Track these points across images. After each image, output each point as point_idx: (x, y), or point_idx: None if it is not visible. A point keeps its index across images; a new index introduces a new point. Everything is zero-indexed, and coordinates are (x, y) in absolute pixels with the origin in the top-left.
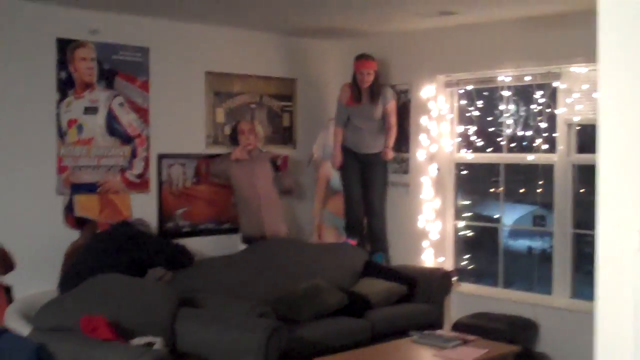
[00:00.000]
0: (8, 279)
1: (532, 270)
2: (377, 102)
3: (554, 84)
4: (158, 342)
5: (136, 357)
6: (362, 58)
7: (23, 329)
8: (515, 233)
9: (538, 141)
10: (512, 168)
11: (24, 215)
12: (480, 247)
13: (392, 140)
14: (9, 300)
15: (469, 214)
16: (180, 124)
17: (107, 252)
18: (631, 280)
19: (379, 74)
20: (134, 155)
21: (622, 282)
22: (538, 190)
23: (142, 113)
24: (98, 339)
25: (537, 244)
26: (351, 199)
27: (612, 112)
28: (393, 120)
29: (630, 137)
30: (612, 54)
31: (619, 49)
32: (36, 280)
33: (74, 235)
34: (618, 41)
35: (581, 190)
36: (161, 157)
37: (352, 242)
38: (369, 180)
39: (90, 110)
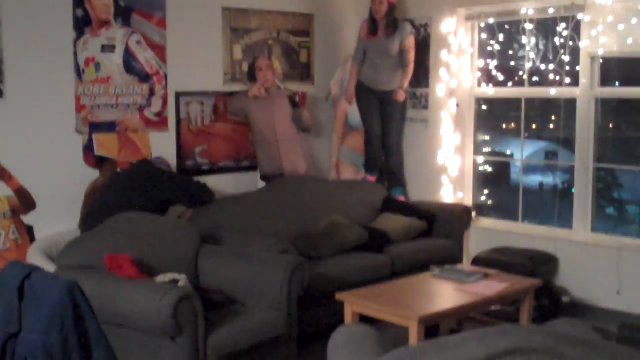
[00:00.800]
0: (29, 218)
1: (551, 206)
2: (394, 36)
3: (578, 16)
4: (182, 279)
5: (163, 293)
6: None
7: (46, 267)
8: (532, 168)
9: (560, 75)
10: (531, 104)
11: (43, 155)
12: (500, 183)
13: (406, 80)
14: (31, 239)
15: (488, 150)
16: (197, 61)
17: (127, 191)
18: None
19: (394, 5)
20: (151, 93)
21: None
22: (551, 126)
23: (159, 50)
24: (123, 276)
25: (553, 179)
26: (371, 135)
27: None
28: (410, 57)
29: None
30: None
31: None
32: (57, 220)
33: (93, 174)
34: None
35: (605, 125)
36: (179, 95)
37: (371, 178)
38: (386, 117)
39: (107, 48)
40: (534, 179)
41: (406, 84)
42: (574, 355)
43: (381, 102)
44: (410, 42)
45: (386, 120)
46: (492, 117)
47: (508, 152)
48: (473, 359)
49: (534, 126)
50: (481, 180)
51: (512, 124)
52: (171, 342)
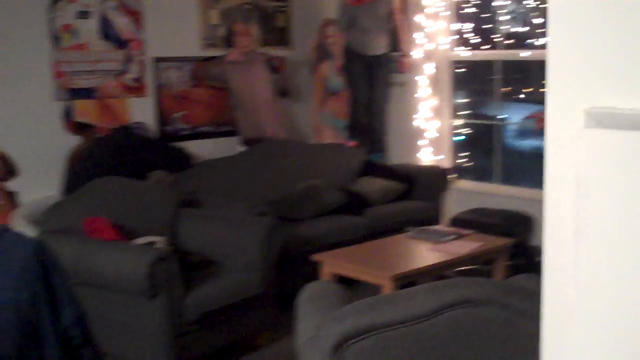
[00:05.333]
0: (12, 184)
1: (531, 169)
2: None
3: None
4: (160, 241)
5: (139, 254)
6: None
7: (29, 232)
8: (517, 132)
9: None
10: (511, 67)
11: (23, 123)
12: (478, 146)
13: (405, 45)
14: (14, 205)
15: (467, 112)
16: (174, 26)
17: (108, 156)
18: (574, 160)
19: None
20: (129, 59)
21: (565, 162)
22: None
23: (136, 16)
24: (101, 239)
25: (535, 142)
26: (358, 100)
27: None
28: (400, 19)
29: (580, 16)
30: None
31: None
32: (40, 186)
33: (74, 140)
34: None
35: None
36: (157, 60)
37: (353, 143)
38: (374, 81)
39: (83, 14)
40: (516, 142)
41: (406, 49)
42: (519, 306)
43: (369, 67)
44: (398, 4)
45: (374, 85)
46: (472, 80)
47: (494, 115)
48: (423, 309)
49: (513, 89)
50: (460, 143)
51: (491, 87)
52: (149, 301)
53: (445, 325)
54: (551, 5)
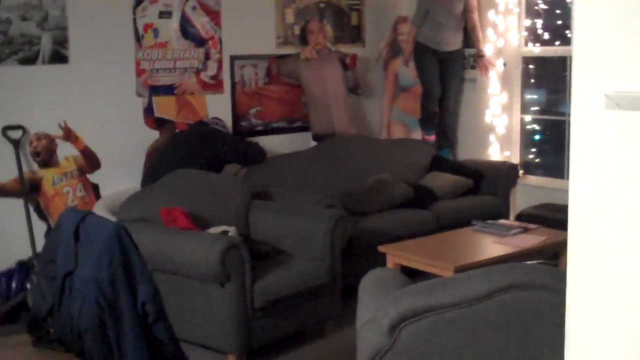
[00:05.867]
0: (95, 177)
1: None
2: None
3: None
4: (232, 230)
5: (212, 242)
6: None
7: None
8: None
9: None
10: None
11: (107, 117)
12: (549, 142)
13: (481, 45)
14: (97, 197)
15: (537, 109)
16: (250, 25)
17: (185, 150)
18: (595, 138)
19: None
20: (207, 57)
21: (588, 141)
22: None
23: (214, 16)
24: (177, 228)
25: None
26: (431, 95)
27: None
28: (476, 17)
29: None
30: None
31: None
32: (121, 178)
33: (154, 135)
34: None
35: None
36: (233, 58)
37: (431, 137)
38: (447, 77)
39: (165, 14)
40: None
41: (483, 48)
42: None
43: (442, 63)
44: (474, 2)
45: (447, 81)
46: (544, 76)
47: (559, 112)
48: (476, 292)
49: None
50: (529, 138)
51: (563, 84)
52: (220, 288)
53: (498, 308)
54: (576, 4)
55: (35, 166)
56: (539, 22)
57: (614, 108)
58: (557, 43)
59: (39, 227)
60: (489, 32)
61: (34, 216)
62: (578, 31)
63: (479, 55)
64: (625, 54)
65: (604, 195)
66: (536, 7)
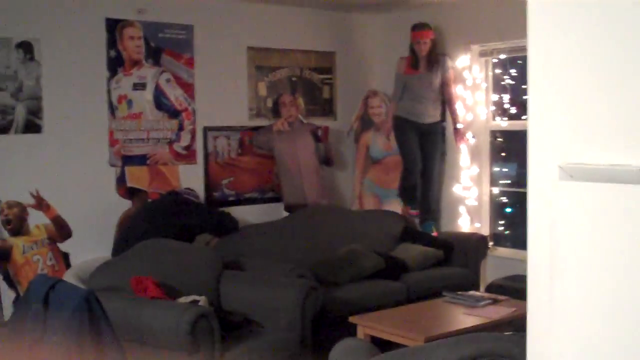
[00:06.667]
0: (65, 245)
1: None
2: (436, 70)
3: None
4: (203, 300)
5: (182, 311)
6: (418, 27)
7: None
8: None
9: None
10: None
11: (79, 186)
12: (517, 214)
13: (458, 118)
14: (67, 265)
15: (507, 181)
16: (224, 97)
17: (157, 219)
18: (550, 208)
19: (435, 42)
20: (180, 128)
21: (544, 211)
22: None
23: (188, 88)
24: (147, 297)
25: None
26: (413, 169)
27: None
28: (452, 91)
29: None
30: None
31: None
32: (91, 247)
33: (126, 204)
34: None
35: None
36: (207, 129)
37: (414, 212)
38: (428, 150)
39: (139, 86)
40: None
41: (459, 121)
42: None
43: (423, 135)
44: (451, 75)
45: (429, 152)
46: (512, 148)
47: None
48: None
49: None
50: (498, 210)
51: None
52: (189, 357)
53: None
54: (531, 77)
55: (5, 234)
56: (506, 97)
57: (568, 179)
58: (524, 117)
59: (8, 296)
60: (458, 106)
61: (2, 284)
62: (532, 104)
63: (456, 128)
64: (577, 126)
65: (560, 264)
66: (503, 83)
